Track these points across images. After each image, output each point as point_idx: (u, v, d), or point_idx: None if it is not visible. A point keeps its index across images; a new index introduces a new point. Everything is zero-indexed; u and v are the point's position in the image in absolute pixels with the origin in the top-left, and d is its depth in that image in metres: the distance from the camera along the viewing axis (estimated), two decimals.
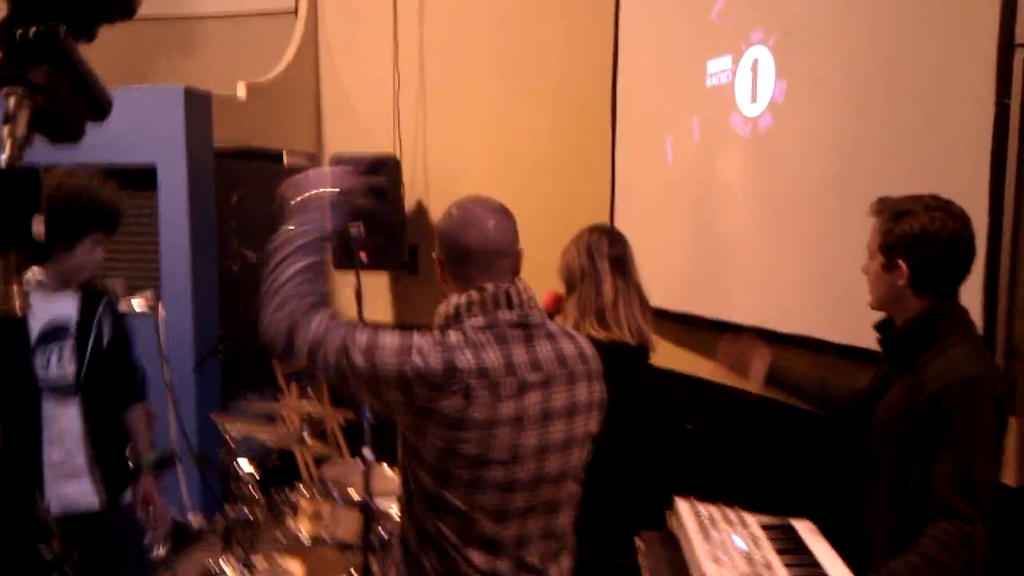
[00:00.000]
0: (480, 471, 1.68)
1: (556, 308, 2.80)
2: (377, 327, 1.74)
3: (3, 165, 0.98)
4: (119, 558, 2.72)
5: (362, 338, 1.69)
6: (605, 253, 2.74)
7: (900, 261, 1.96)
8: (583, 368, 1.82)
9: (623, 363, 2.60)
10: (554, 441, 1.74)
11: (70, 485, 2.58)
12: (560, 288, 2.82)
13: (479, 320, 1.71)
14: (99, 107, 1.07)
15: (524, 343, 1.73)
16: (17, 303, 0.99)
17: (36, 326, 2.55)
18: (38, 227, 0.99)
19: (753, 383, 2.60)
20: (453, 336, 1.70)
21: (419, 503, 1.75)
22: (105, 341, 2.69)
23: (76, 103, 1.04)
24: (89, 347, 2.63)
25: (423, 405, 1.66)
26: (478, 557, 1.72)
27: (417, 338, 1.70)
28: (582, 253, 2.75)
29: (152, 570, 2.86)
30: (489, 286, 1.74)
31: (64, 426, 2.57)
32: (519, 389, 1.69)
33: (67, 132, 1.06)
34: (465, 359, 1.66)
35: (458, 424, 1.65)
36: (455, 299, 1.75)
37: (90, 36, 1.05)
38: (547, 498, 1.78)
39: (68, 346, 2.59)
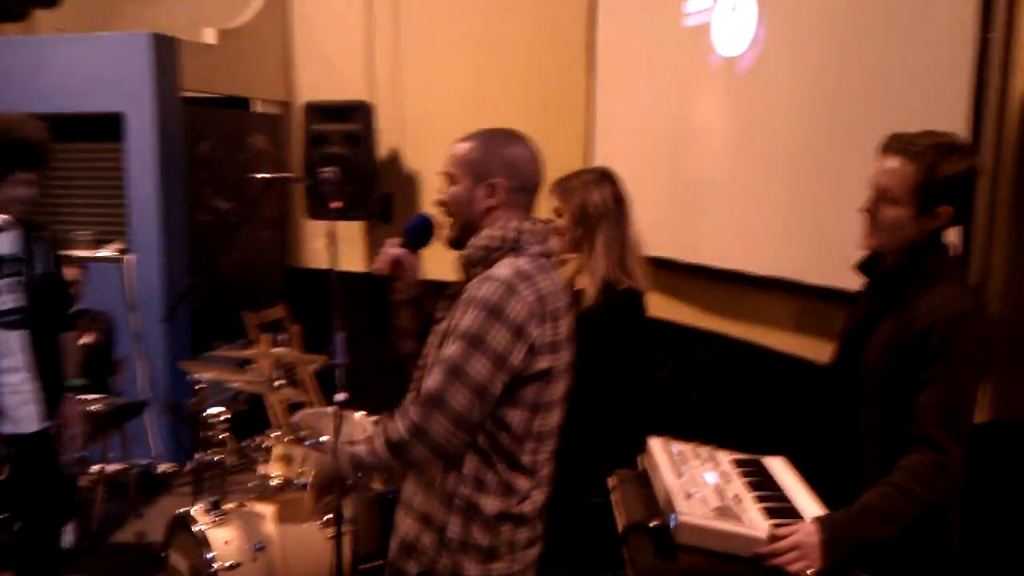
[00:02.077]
0: (552, 392, 1.82)
1: None
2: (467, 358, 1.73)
3: None
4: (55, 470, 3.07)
5: (474, 367, 1.72)
6: (622, 197, 2.66)
7: (942, 206, 1.87)
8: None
9: (639, 310, 2.63)
10: (569, 363, 1.89)
11: (25, 408, 2.89)
12: None
13: (538, 248, 1.83)
14: None
15: (552, 272, 1.86)
16: None
17: None
18: None
19: None
20: (523, 263, 1.77)
21: (489, 445, 1.80)
22: (38, 273, 2.93)
23: None
24: (26, 280, 2.88)
25: (537, 343, 1.75)
26: (524, 480, 1.82)
27: (493, 289, 1.73)
28: (607, 193, 2.62)
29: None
30: (539, 218, 1.87)
31: (16, 354, 2.85)
32: (561, 313, 1.83)
33: (9, 12, 0.98)
34: (544, 284, 1.77)
35: (554, 347, 1.77)
36: (515, 223, 1.82)
37: None
38: (561, 418, 1.93)
39: (12, 280, 2.84)
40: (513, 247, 1.79)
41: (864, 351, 2.01)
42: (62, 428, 3.02)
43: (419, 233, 2.03)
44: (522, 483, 1.81)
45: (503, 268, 1.75)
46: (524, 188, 1.85)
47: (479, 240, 1.81)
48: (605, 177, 2.69)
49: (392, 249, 2.00)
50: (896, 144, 1.92)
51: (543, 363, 1.75)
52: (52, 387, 2.95)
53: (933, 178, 1.85)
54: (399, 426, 1.76)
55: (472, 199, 1.84)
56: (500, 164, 1.83)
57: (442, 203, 1.91)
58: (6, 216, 2.77)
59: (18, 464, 2.90)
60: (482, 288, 1.72)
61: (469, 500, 1.77)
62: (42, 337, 2.93)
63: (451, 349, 1.72)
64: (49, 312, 2.98)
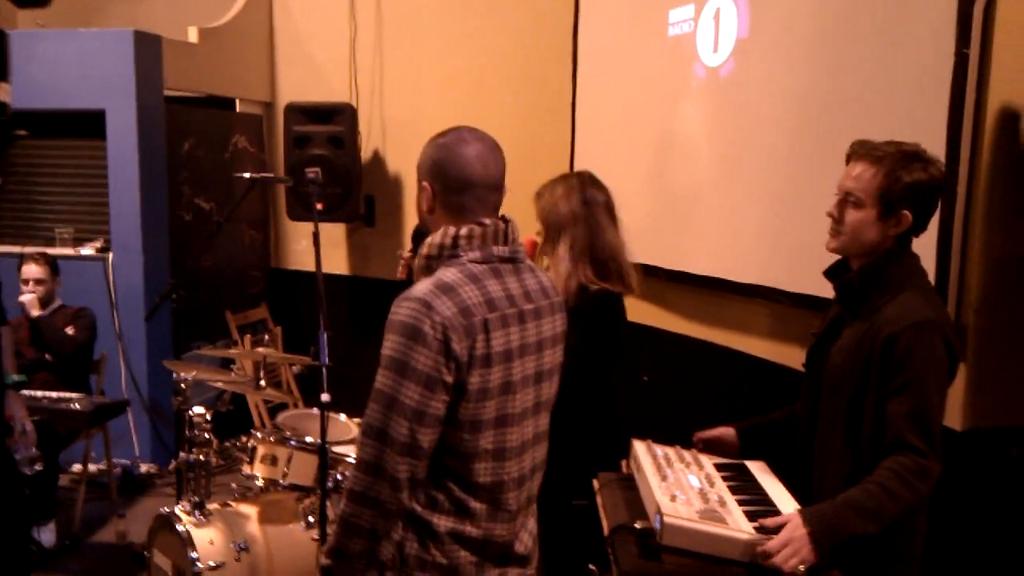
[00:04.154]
0: (504, 406, 1.70)
1: (532, 253, 2.66)
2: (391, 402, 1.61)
3: None
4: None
5: (399, 412, 1.61)
6: (599, 200, 2.67)
7: (905, 211, 1.94)
8: (557, 300, 1.88)
9: (612, 311, 2.62)
10: (547, 369, 1.81)
11: None
12: (531, 233, 2.74)
13: (476, 254, 1.71)
14: None
15: (515, 276, 1.76)
16: None
17: None
18: (3, 95, 0.95)
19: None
20: (449, 274, 1.67)
21: (438, 465, 1.69)
22: None
23: None
24: None
25: (463, 360, 1.62)
26: (479, 503, 1.71)
27: (408, 310, 1.61)
28: (573, 198, 2.64)
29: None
30: (487, 220, 1.73)
31: None
32: (519, 318, 1.73)
33: None
34: (471, 294, 1.65)
35: (487, 360, 1.65)
36: (453, 230, 1.71)
37: None
38: (543, 427, 1.84)
39: None
40: (451, 255, 1.71)
41: (830, 353, 2.07)
42: (9, 425, 2.89)
43: (422, 238, 1.97)
44: (478, 505, 1.71)
45: (422, 283, 1.66)
46: (456, 189, 1.73)
47: (423, 249, 1.76)
48: (581, 182, 2.70)
49: (403, 253, 1.97)
50: (861, 150, 2.01)
51: (474, 378, 1.64)
52: None
53: (895, 182, 1.93)
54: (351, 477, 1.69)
55: (420, 204, 1.81)
56: (427, 167, 1.77)
57: None
58: None
59: None
60: (399, 309, 1.63)
61: (422, 517, 1.70)
62: None
63: (380, 379, 1.64)
64: None
